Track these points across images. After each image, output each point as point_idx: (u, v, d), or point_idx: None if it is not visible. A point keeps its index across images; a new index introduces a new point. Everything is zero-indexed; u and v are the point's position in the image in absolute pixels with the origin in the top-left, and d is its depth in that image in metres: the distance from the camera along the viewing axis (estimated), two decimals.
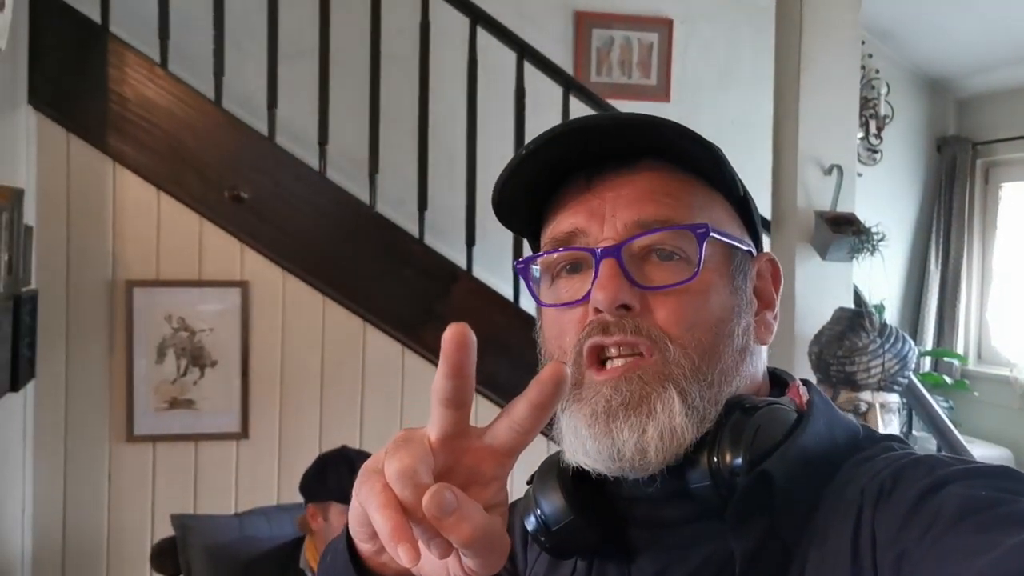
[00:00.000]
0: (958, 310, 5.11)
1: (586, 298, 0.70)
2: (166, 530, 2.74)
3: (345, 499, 2.26)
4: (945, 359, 5.05)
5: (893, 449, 0.71)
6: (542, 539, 0.74)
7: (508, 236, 3.21)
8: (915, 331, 5.10)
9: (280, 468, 3.08)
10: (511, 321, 3.12)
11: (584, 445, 0.69)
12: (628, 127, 0.72)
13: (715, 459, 0.67)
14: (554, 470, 0.74)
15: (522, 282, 3.02)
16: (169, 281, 2.99)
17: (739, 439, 0.67)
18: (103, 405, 2.98)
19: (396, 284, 3.14)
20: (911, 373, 2.96)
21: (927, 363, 5.10)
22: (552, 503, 0.73)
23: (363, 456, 2.38)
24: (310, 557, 2.36)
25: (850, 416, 0.77)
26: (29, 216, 2.79)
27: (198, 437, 3.04)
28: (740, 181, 0.75)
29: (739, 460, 0.66)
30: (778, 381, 0.80)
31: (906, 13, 4.69)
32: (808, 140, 3.12)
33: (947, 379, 4.90)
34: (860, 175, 3.71)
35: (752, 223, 0.79)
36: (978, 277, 5.17)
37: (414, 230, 3.21)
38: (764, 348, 0.78)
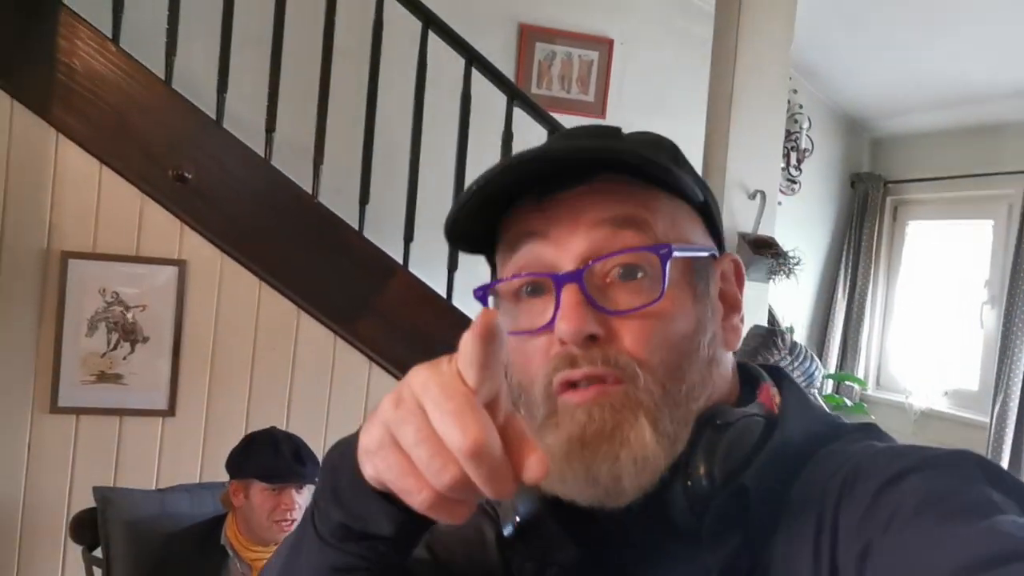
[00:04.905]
0: (861, 337, 5.37)
1: (550, 325, 0.68)
2: (85, 502, 2.73)
3: (265, 477, 2.32)
4: (846, 382, 5.30)
5: (857, 441, 0.71)
6: (519, 545, 0.72)
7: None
8: (820, 355, 5.32)
9: (204, 448, 3.10)
10: (444, 319, 3.19)
11: (560, 472, 0.67)
12: (584, 158, 0.71)
13: (689, 483, 0.66)
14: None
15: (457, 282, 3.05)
16: (106, 255, 2.98)
17: (713, 459, 0.66)
18: (28, 374, 2.96)
19: (333, 275, 3.19)
20: (816, 391, 3.16)
21: (829, 385, 5.35)
22: (528, 508, 0.71)
23: (290, 439, 2.44)
24: (231, 535, 2.39)
25: (823, 407, 0.78)
26: None
27: (124, 412, 3.03)
28: (700, 186, 0.74)
29: (714, 482, 0.66)
30: (749, 377, 0.78)
31: (831, 54, 4.94)
32: (736, 165, 3.29)
33: (847, 401, 5.14)
34: (780, 204, 3.91)
35: (714, 224, 0.77)
36: (881, 308, 5.43)
37: (351, 222, 3.26)
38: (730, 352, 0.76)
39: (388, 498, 0.57)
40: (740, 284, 0.79)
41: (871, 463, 0.65)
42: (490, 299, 0.74)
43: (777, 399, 0.74)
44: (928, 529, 0.57)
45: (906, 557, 0.56)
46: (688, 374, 0.69)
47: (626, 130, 0.78)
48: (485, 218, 0.73)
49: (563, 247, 0.69)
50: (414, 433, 0.50)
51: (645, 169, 0.70)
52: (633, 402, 0.67)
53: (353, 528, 0.62)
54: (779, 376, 0.79)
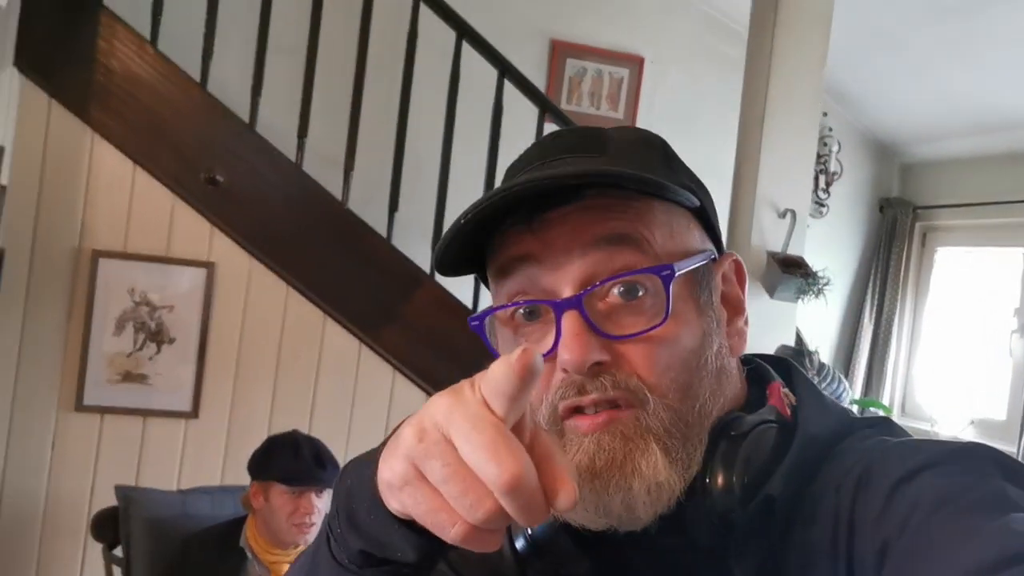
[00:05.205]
0: (887, 364, 5.32)
1: (552, 352, 0.66)
2: (106, 501, 2.74)
3: (286, 480, 2.32)
4: (871, 409, 5.25)
5: (869, 437, 0.70)
6: (533, 559, 0.70)
7: None
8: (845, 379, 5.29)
9: (227, 451, 3.10)
10: (469, 330, 3.18)
11: None
12: (580, 184, 0.68)
13: (709, 501, 0.65)
14: None
15: (481, 296, 3.03)
16: (136, 255, 3.00)
17: (731, 473, 0.65)
18: (55, 372, 2.98)
19: (360, 282, 3.20)
20: None
21: (854, 411, 5.30)
22: (542, 524, 0.67)
23: (311, 442, 2.43)
24: (250, 536, 2.39)
25: (835, 401, 0.77)
26: (3, 176, 2.79)
27: (148, 412, 3.04)
28: (694, 187, 0.73)
29: (734, 497, 0.65)
30: (756, 376, 0.76)
31: (862, 78, 4.92)
32: (766, 184, 3.28)
33: None
34: (807, 226, 3.89)
35: (711, 223, 0.75)
36: (908, 334, 5.38)
37: (379, 230, 3.27)
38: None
39: (411, 525, 0.54)
40: (742, 283, 0.76)
41: (885, 459, 0.64)
42: (486, 323, 0.71)
43: (790, 398, 0.73)
44: (944, 528, 0.56)
45: (923, 558, 0.56)
46: (698, 391, 0.67)
47: None
48: (472, 242, 0.71)
49: (560, 271, 0.67)
50: (442, 468, 0.48)
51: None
52: (643, 428, 0.65)
53: (374, 555, 0.59)
54: (788, 370, 0.77)
